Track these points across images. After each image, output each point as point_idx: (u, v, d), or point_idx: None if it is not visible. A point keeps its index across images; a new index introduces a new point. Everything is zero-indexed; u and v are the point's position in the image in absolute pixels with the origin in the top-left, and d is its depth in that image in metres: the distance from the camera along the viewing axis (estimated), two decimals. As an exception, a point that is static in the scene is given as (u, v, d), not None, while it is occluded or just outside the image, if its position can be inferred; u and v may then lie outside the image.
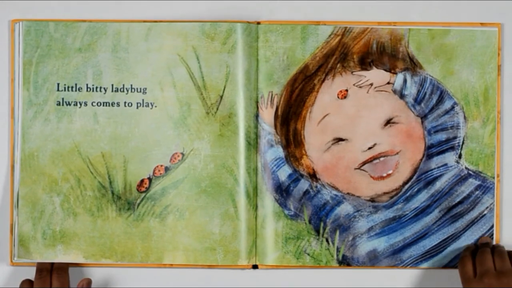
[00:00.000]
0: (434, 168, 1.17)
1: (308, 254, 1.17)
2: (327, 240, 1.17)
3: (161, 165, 1.17)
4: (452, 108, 1.17)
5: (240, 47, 1.17)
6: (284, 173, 1.17)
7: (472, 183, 1.17)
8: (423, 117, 1.17)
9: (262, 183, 1.17)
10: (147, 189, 1.17)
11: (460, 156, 1.17)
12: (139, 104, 1.18)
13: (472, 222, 1.17)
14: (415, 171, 1.17)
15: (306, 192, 1.17)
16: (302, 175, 1.17)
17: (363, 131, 1.17)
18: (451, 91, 1.17)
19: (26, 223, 1.17)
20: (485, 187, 1.17)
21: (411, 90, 1.17)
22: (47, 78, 1.17)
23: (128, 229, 1.17)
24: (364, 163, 1.17)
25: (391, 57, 1.17)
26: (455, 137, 1.17)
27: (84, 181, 1.17)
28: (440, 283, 1.18)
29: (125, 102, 1.18)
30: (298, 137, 1.17)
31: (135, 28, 1.17)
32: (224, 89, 1.17)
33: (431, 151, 1.17)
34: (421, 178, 1.17)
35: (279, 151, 1.17)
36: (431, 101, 1.17)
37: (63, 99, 1.17)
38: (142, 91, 1.18)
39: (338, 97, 1.17)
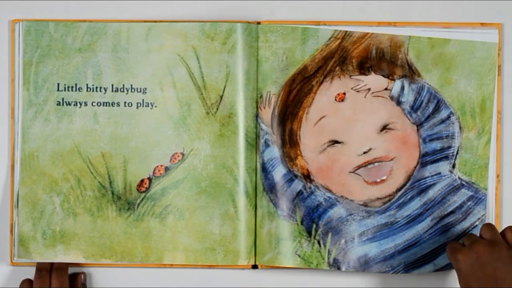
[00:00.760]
0: (428, 177, 1.17)
1: (299, 256, 1.17)
2: (318, 242, 1.17)
3: (161, 165, 1.17)
4: (448, 117, 1.17)
5: (240, 47, 1.17)
6: (279, 173, 1.17)
7: (465, 193, 1.17)
8: (419, 125, 1.17)
9: (260, 183, 1.17)
10: (147, 189, 1.17)
11: (453, 166, 1.17)
12: (139, 104, 1.18)
13: (464, 233, 1.17)
14: (408, 178, 1.17)
15: (300, 193, 1.17)
16: (296, 176, 1.17)
17: (359, 135, 1.17)
18: (448, 100, 1.16)
19: (26, 223, 1.17)
20: (477, 198, 1.17)
21: (408, 97, 1.16)
22: (47, 78, 1.17)
23: (128, 229, 1.17)
24: (359, 167, 1.17)
25: (390, 63, 1.17)
26: (449, 147, 1.17)
27: (84, 181, 1.17)
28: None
29: (125, 102, 1.18)
30: (293, 138, 1.17)
31: (135, 28, 1.17)
32: (224, 89, 1.17)
33: (425, 159, 1.17)
34: (414, 185, 1.17)
35: (275, 151, 1.17)
36: (427, 110, 1.17)
37: (63, 99, 1.17)
38: (142, 91, 1.18)
39: (335, 100, 1.17)
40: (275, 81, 1.17)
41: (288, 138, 1.17)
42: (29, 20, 1.17)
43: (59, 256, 1.17)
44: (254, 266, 1.18)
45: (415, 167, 1.17)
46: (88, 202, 1.17)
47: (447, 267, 1.17)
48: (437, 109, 1.17)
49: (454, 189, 1.17)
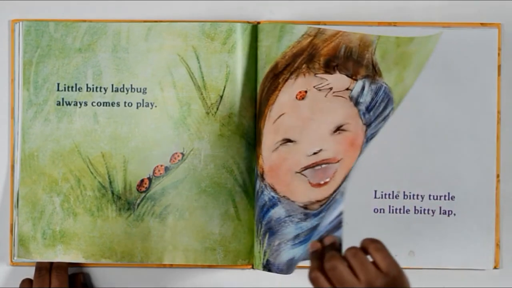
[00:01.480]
0: None
1: (250, 255, 1.17)
2: (260, 243, 1.15)
3: (161, 165, 1.17)
4: (388, 115, 1.14)
5: (240, 47, 1.17)
6: (253, 172, 1.17)
7: None
8: (368, 125, 1.14)
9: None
10: (147, 189, 1.17)
11: None
12: (139, 104, 1.18)
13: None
14: (344, 179, 1.14)
15: (256, 192, 1.17)
16: (257, 175, 1.17)
17: (312, 135, 1.14)
18: (395, 98, 1.14)
19: (26, 223, 1.17)
20: None
21: (366, 98, 1.13)
22: (47, 78, 1.17)
23: (128, 229, 1.17)
24: (306, 168, 1.14)
25: (355, 63, 1.14)
26: None
27: (84, 181, 1.17)
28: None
29: (125, 102, 1.18)
30: (259, 136, 1.16)
31: (135, 28, 1.17)
32: (224, 89, 1.17)
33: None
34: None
35: (252, 150, 1.17)
36: (378, 109, 1.14)
37: (63, 99, 1.17)
38: (142, 91, 1.18)
39: (296, 98, 1.15)
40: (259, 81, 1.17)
41: (257, 137, 1.16)
42: (29, 20, 1.17)
43: (59, 256, 1.17)
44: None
45: (352, 168, 1.14)
46: (88, 202, 1.17)
47: None
48: (385, 107, 1.14)
49: None
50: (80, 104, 1.18)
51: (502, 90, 1.18)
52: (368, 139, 1.14)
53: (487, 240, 1.18)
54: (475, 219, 1.17)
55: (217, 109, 1.17)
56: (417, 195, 1.17)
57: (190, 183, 1.17)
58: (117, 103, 1.18)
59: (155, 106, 1.18)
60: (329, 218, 1.11)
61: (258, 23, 1.17)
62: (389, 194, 1.17)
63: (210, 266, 1.18)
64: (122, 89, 1.18)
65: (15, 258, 1.17)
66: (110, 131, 1.17)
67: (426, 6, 1.19)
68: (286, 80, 1.15)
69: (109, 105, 1.18)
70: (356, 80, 1.14)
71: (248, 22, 1.17)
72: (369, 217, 1.17)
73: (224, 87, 1.17)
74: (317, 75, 1.14)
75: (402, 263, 1.17)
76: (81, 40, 1.17)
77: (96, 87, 1.18)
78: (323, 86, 1.14)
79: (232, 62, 1.17)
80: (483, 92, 1.18)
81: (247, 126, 1.17)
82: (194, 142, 1.17)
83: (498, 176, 1.18)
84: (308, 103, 1.14)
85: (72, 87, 1.18)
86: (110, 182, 1.17)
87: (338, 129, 1.14)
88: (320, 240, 1.07)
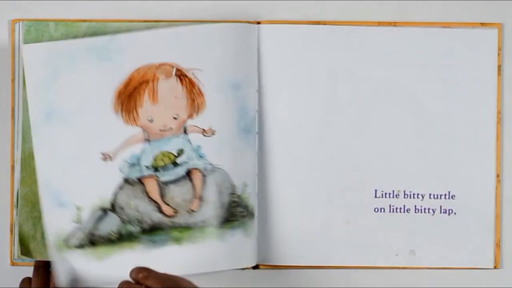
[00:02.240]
0: None
1: None
2: None
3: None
4: None
5: (240, 47, 1.17)
6: None
7: None
8: None
9: None
10: (147, 189, 1.17)
11: None
12: (139, 104, 1.18)
13: None
14: None
15: None
16: None
17: None
18: None
19: (26, 223, 1.17)
20: None
21: None
22: (47, 78, 1.17)
23: (128, 229, 1.17)
24: None
25: None
26: None
27: (84, 181, 1.17)
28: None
29: (125, 102, 1.18)
30: None
31: (135, 28, 1.17)
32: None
33: None
34: None
35: None
36: None
37: (63, 99, 1.17)
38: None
39: None
40: None
41: None
42: (29, 20, 1.17)
43: (59, 256, 1.17)
44: (255, 266, 1.18)
45: None
46: (88, 202, 1.17)
47: None
48: None
49: None
50: (80, 104, 1.18)
51: (502, 90, 1.18)
52: None
53: (487, 240, 1.18)
54: (475, 218, 1.17)
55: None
56: (417, 194, 1.17)
57: (190, 183, 1.17)
58: (117, 103, 1.18)
59: (155, 106, 1.17)
60: None
61: (258, 23, 1.17)
62: (389, 194, 1.17)
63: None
64: (122, 89, 1.17)
65: (15, 258, 1.17)
66: (110, 131, 1.17)
67: (426, 6, 1.19)
68: None
69: (109, 105, 1.17)
70: None
71: (248, 22, 1.17)
72: (369, 217, 1.17)
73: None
74: None
75: (402, 263, 1.17)
76: (81, 40, 1.18)
77: (96, 87, 1.18)
78: None
79: (232, 62, 1.17)
80: (483, 92, 1.18)
81: (247, 126, 1.17)
82: (194, 142, 1.17)
83: (498, 176, 1.18)
84: None
85: (72, 87, 1.18)
86: (110, 182, 1.17)
87: None
88: None
